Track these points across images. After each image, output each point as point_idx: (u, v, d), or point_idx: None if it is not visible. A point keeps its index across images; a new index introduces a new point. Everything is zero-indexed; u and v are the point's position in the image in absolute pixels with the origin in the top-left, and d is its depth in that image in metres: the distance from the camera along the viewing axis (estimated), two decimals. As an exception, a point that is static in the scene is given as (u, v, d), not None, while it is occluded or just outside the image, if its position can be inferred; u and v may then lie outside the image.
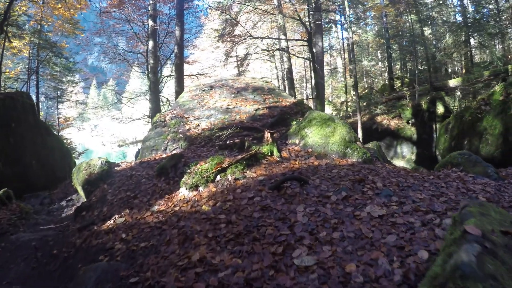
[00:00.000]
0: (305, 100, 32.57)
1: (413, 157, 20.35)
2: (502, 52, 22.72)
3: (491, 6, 20.63)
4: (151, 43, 22.81)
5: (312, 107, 25.27)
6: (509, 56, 22.16)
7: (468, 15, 22.77)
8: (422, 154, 20.11)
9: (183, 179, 7.67)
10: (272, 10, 21.55)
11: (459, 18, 26.14)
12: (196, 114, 12.82)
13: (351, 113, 25.64)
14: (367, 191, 6.07)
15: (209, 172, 7.43)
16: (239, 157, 7.77)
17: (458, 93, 21.09)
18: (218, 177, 7.39)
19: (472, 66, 22.01)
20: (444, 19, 26.54)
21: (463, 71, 25.60)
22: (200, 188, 7.32)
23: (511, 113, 11.23)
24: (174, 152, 10.64)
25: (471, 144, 12.08)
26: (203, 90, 14.67)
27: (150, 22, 22.62)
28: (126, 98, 28.85)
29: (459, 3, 25.19)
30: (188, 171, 7.96)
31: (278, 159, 8.02)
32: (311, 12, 17.55)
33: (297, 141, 9.04)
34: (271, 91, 14.87)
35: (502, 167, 10.78)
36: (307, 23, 16.72)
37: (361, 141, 17.98)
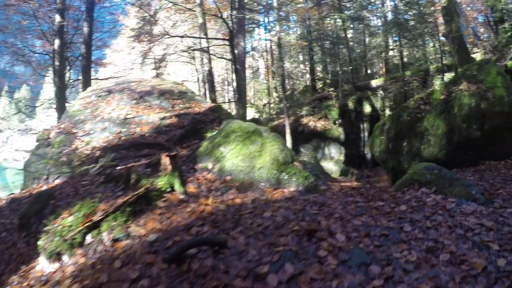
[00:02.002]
0: (227, 104, 30.22)
1: (342, 157, 18.36)
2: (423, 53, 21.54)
3: (414, 11, 19.15)
4: (57, 41, 18.18)
5: (234, 110, 22.84)
6: (431, 57, 21.05)
7: (391, 18, 21.46)
8: (351, 154, 18.28)
9: (39, 242, 4.47)
10: (193, 8, 18.75)
11: (379, 21, 25.03)
12: (87, 128, 9.34)
13: (274, 116, 23.32)
14: (326, 256, 3.34)
15: (73, 230, 4.33)
16: (121, 201, 4.66)
17: (381, 92, 19.62)
18: (89, 237, 4.32)
19: (403, 66, 20.45)
20: (371, 19, 25.37)
21: (384, 71, 24.39)
22: (65, 258, 4.21)
23: (455, 112, 9.55)
24: (57, 182, 7.38)
25: (411, 146, 10.26)
26: (99, 96, 11.12)
27: (58, 18, 18.00)
28: (31, 106, 24.27)
29: (390, 3, 23.78)
30: (46, 228, 4.62)
31: (182, 197, 5.00)
32: (234, 10, 14.95)
33: (210, 165, 5.99)
34: (182, 94, 11.74)
35: (447, 169, 9.16)
36: (230, 22, 13.99)
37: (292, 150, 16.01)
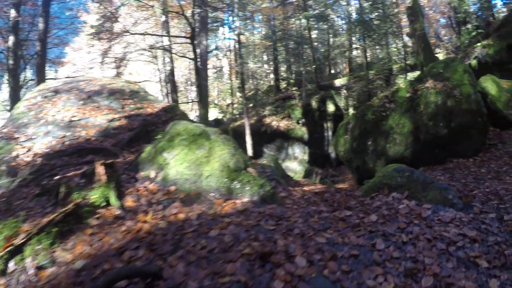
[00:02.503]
0: (190, 104, 29.24)
1: (306, 157, 17.67)
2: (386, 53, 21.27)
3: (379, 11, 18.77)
4: (12, 38, 16.63)
5: (197, 111, 21.90)
6: (394, 57, 20.77)
7: (355, 17, 21.09)
8: (315, 154, 17.60)
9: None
10: (155, 5, 17.56)
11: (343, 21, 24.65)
12: (30, 132, 7.96)
13: (237, 116, 22.51)
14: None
15: (-6, 255, 3.36)
16: (46, 220, 3.66)
17: (344, 91, 19.24)
18: (12, 264, 3.36)
19: (367, 65, 20.07)
20: (335, 19, 24.94)
21: (347, 70, 23.99)
22: (-15, 291, 3.30)
23: (421, 110, 9.10)
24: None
25: (376, 145, 9.77)
26: (45, 97, 9.56)
27: (13, 13, 16.46)
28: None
29: (355, 3, 23.33)
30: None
31: (118, 212, 4.05)
32: (196, 7, 14.07)
33: (152, 174, 4.94)
34: (134, 94, 10.59)
35: (413, 167, 8.63)
36: (192, 20, 13.06)
37: (252, 152, 15.39)
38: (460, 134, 8.68)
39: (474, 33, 14.10)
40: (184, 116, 9.63)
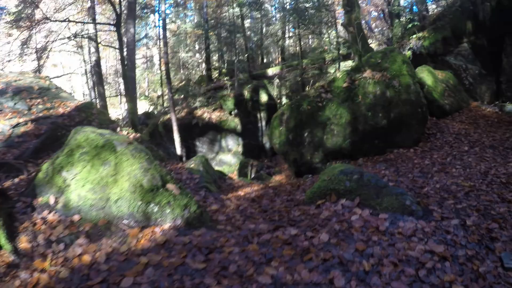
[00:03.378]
0: (119, 97, 27.28)
1: (240, 149, 16.87)
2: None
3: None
4: None
5: (123, 107, 20.27)
6: (326, 47, 20.44)
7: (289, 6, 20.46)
8: (249, 145, 16.86)
9: None
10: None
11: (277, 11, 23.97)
12: None
13: (167, 109, 21.12)
14: None
15: None
16: None
17: (277, 80, 18.63)
18: None
19: (301, 54, 19.52)
20: (268, 8, 24.20)
21: (280, 59, 23.39)
22: None
23: (359, 101, 8.66)
24: None
25: (313, 136, 9.20)
26: None
27: None
28: None
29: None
30: None
31: (11, 258, 2.82)
32: None
33: (52, 199, 3.61)
34: (44, 91, 9.06)
35: (352, 160, 8.55)
36: (118, 5, 11.65)
37: (181, 150, 14.28)
38: (400, 124, 8.35)
39: (410, 26, 14.06)
40: (101, 115, 8.37)
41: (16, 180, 4.91)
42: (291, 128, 9.46)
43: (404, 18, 15.98)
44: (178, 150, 13.66)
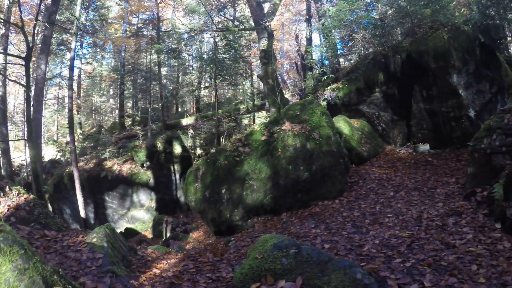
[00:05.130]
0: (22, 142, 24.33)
1: (153, 204, 15.40)
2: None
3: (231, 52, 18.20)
4: None
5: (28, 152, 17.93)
6: (240, 98, 20.27)
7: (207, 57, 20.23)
8: (163, 200, 15.53)
9: None
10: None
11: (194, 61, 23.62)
12: None
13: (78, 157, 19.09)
14: None
15: None
16: None
17: (191, 131, 17.79)
18: None
19: (217, 104, 18.93)
20: (186, 58, 23.69)
21: (194, 110, 22.71)
22: None
23: (279, 154, 8.18)
24: None
25: (231, 193, 8.47)
26: None
27: None
28: None
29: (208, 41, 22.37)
30: None
31: None
32: (39, 23, 11.14)
33: None
34: None
35: (275, 215, 7.90)
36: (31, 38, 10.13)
37: (84, 213, 12.51)
38: (323, 176, 7.95)
39: (325, 77, 14.39)
40: None
41: None
42: (207, 184, 8.67)
43: (316, 70, 16.31)
44: (82, 212, 11.94)
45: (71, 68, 12.86)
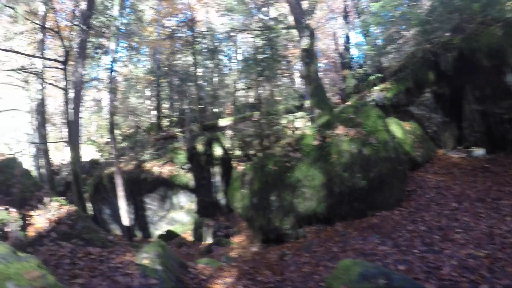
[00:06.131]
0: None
1: (193, 206, 15.14)
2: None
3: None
4: None
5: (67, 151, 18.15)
6: (279, 98, 19.85)
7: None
8: (203, 202, 15.16)
9: None
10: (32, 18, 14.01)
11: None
12: None
13: (114, 158, 19.06)
14: None
15: None
16: None
17: (229, 132, 17.70)
18: None
19: (256, 105, 18.79)
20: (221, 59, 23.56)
21: (231, 110, 22.40)
22: None
23: (333, 160, 7.74)
24: None
25: (281, 200, 8.07)
26: None
27: None
28: None
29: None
30: None
31: None
32: (76, 28, 11.24)
33: None
34: None
35: (329, 225, 7.50)
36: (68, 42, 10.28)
37: (128, 219, 12.39)
38: (380, 184, 7.44)
39: (372, 77, 13.86)
40: (25, 178, 6.51)
41: None
42: (255, 190, 8.31)
43: (357, 69, 15.70)
44: (125, 220, 11.79)
45: (111, 70, 12.87)
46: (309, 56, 12.40)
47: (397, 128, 9.83)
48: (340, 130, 7.89)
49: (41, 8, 14.46)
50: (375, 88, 12.80)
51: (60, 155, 24.79)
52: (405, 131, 10.03)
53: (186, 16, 22.00)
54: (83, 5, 13.75)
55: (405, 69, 12.44)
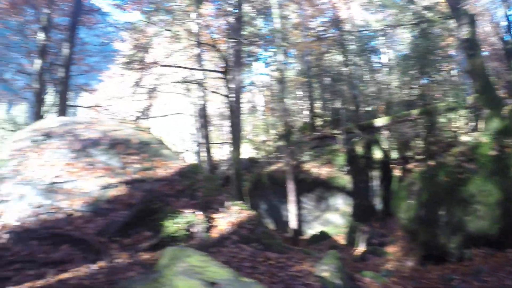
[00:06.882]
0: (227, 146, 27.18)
1: (348, 209, 15.07)
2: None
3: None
4: (38, 62, 15.44)
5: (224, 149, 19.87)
6: (437, 95, 18.41)
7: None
8: (359, 206, 14.98)
9: None
10: (188, 36, 16.68)
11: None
12: (4, 190, 5.76)
13: (272, 157, 20.05)
14: None
15: None
16: None
17: (386, 133, 16.98)
18: None
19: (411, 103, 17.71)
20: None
21: (383, 109, 21.45)
22: None
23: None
24: None
25: (452, 216, 7.54)
26: (34, 141, 7.19)
27: (41, 36, 15.53)
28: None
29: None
30: None
31: None
32: (231, 41, 12.47)
33: None
34: (143, 146, 7.65)
35: (500, 250, 6.67)
36: (225, 54, 11.57)
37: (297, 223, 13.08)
38: None
39: None
40: (208, 182, 7.17)
41: (94, 266, 4.10)
42: (423, 202, 7.87)
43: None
44: (293, 222, 12.35)
45: (281, 79, 13.81)
46: (472, 47, 10.99)
47: None
48: (524, 139, 6.98)
49: (194, 27, 16.67)
50: None
51: (219, 151, 27.22)
52: None
53: (330, 16, 22.23)
54: (231, 19, 15.28)
55: None
